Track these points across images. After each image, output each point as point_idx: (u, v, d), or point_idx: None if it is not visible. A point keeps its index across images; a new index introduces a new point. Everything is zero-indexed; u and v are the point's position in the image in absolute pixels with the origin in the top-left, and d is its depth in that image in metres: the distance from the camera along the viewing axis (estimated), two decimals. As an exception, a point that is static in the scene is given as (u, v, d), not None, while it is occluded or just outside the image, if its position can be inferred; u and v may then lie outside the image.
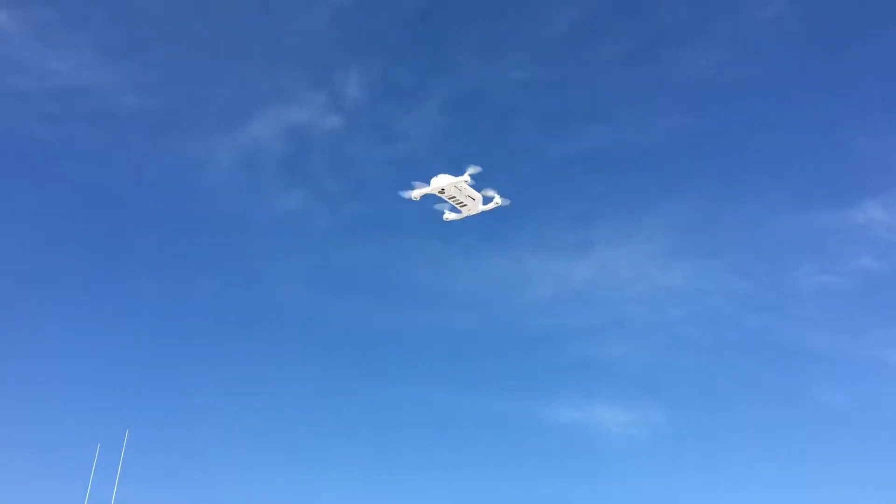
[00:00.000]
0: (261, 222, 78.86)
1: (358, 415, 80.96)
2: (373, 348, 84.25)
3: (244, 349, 78.26)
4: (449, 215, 26.47)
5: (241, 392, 74.78)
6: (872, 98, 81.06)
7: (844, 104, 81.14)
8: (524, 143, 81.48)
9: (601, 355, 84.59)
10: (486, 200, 26.46)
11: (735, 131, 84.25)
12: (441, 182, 25.78)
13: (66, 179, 75.00)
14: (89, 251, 74.41)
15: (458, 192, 25.56)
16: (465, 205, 26.16)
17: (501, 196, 26.77)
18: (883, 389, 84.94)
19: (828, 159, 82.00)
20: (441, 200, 27.18)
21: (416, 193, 26.23)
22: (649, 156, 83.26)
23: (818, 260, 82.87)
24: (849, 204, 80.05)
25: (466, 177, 25.45)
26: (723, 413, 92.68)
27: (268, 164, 78.64)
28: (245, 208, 77.98)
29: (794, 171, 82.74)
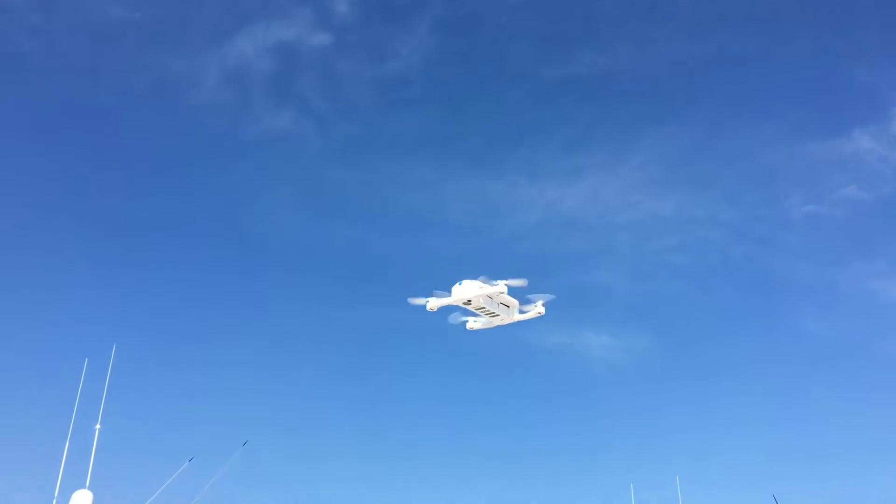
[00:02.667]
0: (248, 142, 77.66)
1: (346, 338, 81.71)
2: (361, 272, 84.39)
3: (231, 271, 78.18)
4: (473, 324, 21.58)
5: (227, 313, 75.10)
6: (866, 28, 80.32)
7: (838, 34, 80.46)
8: (518, 66, 79.58)
9: (588, 282, 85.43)
10: (524, 305, 21.80)
11: (729, 61, 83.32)
12: (467, 293, 20.98)
13: (48, 92, 72.97)
14: (72, 168, 73.46)
15: (489, 301, 21.06)
16: (496, 315, 21.41)
17: (545, 299, 22.04)
18: (867, 320, 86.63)
19: (820, 89, 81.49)
20: (459, 308, 21.90)
21: (433, 305, 21.26)
22: (643, 83, 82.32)
23: (807, 190, 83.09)
24: (838, 134, 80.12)
25: (503, 287, 20.89)
26: (707, 342, 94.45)
27: (255, 82, 76.80)
28: (232, 127, 76.28)
29: (786, 102, 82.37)
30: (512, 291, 22.93)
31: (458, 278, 21.68)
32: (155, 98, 76.32)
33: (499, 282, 20.78)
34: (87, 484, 18.86)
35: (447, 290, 20.85)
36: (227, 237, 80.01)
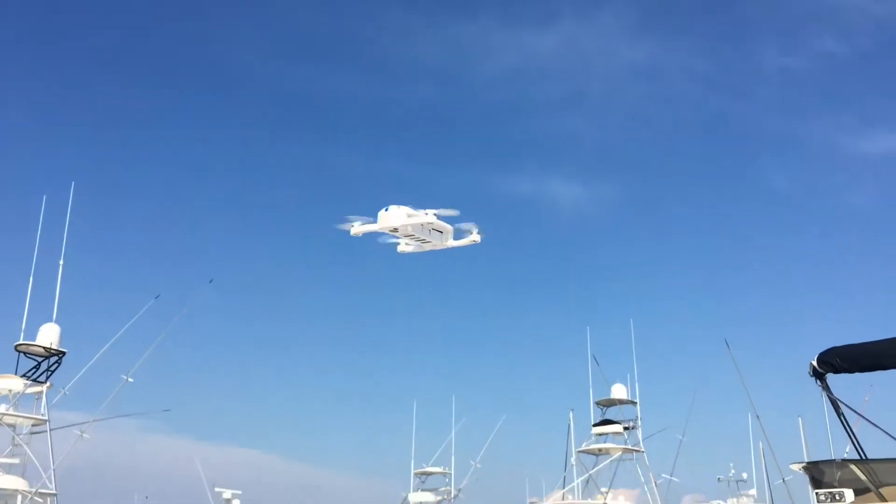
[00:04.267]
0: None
1: (311, 183, 80.00)
2: (329, 116, 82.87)
3: (198, 109, 76.70)
4: (404, 247, 22.20)
5: (190, 149, 73.17)
6: None
7: None
8: None
9: (559, 130, 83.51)
10: (459, 235, 22.79)
11: None
12: (394, 220, 19.78)
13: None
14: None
15: (418, 228, 19.86)
16: (428, 241, 22.08)
17: (481, 231, 22.64)
18: (832, 174, 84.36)
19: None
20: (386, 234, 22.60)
21: (357, 230, 22.28)
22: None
23: (783, 42, 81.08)
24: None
25: (431, 217, 21.58)
26: (675, 192, 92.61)
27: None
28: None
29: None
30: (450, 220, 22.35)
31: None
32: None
33: (428, 211, 20.39)
34: (54, 318, 19.49)
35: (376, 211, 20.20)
36: (193, 74, 78.52)
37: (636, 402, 28.94)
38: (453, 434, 32.42)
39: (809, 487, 6.14)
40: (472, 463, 30.36)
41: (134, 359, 21.75)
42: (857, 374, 6.95)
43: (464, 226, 21.62)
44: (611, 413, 28.95)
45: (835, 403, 6.73)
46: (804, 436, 28.07)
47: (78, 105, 71.94)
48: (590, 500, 27.41)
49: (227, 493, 32.92)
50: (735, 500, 28.92)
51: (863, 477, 5.94)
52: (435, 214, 20.72)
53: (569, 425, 30.24)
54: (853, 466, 6.01)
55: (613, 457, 27.94)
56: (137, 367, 21.36)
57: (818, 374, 6.72)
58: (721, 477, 31.19)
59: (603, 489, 27.08)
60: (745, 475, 31.36)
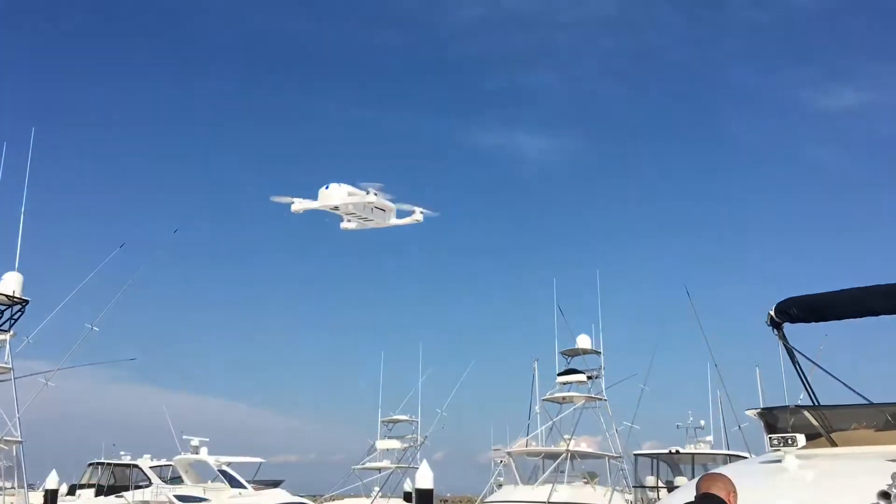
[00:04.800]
0: None
1: (278, 131, 79.84)
2: (292, 59, 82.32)
3: (151, 48, 75.27)
4: (347, 224, 21.03)
5: (147, 94, 71.88)
6: None
7: None
8: None
9: (527, 82, 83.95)
10: (403, 214, 21.43)
11: None
12: (334, 199, 20.19)
13: None
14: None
15: (360, 207, 20.50)
16: (370, 220, 20.94)
17: (424, 209, 21.60)
18: (792, 127, 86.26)
19: None
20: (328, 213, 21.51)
21: (297, 207, 20.66)
22: None
23: None
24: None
25: (372, 196, 20.09)
26: (641, 146, 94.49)
27: None
28: None
29: None
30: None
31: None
32: None
33: (370, 189, 20.22)
34: (16, 266, 19.48)
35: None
36: (145, 14, 77.22)
37: (600, 353, 29.47)
38: (420, 383, 32.84)
39: (763, 433, 6.35)
40: (439, 411, 30.78)
41: (100, 308, 21.63)
42: (812, 324, 7.13)
43: (404, 206, 21.38)
44: (575, 363, 29.47)
45: (790, 352, 6.92)
46: (760, 384, 28.80)
47: (40, 46, 69.76)
48: (553, 447, 28.02)
49: (195, 441, 33.06)
50: (692, 446, 29.69)
51: (815, 422, 6.15)
52: (376, 194, 20.63)
53: (533, 375, 30.75)
54: (806, 412, 6.22)
55: (577, 405, 28.51)
56: (103, 316, 21.25)
57: (775, 324, 6.89)
58: (679, 424, 31.97)
59: (566, 436, 27.68)
60: (702, 422, 32.18)
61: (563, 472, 26.64)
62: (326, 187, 19.74)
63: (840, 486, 5.22)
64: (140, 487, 32.80)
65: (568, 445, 27.08)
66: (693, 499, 4.51)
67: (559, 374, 29.13)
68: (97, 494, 33.05)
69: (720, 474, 4.76)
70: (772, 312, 6.85)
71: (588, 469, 28.55)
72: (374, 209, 20.13)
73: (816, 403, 6.54)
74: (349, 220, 20.44)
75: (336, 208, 19.97)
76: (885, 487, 4.58)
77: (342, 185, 19.86)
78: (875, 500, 4.59)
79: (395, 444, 31.74)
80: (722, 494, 4.46)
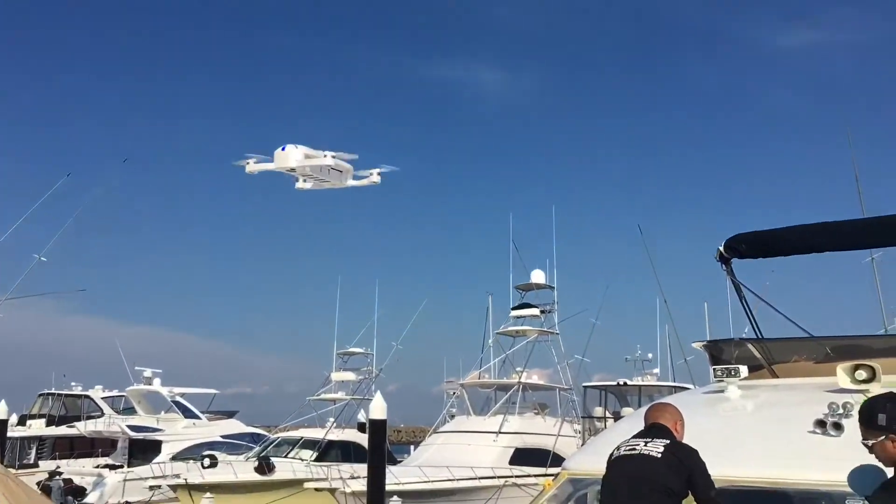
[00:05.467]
0: None
1: (229, 55, 78.53)
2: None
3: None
4: (303, 184, 21.12)
5: (111, 33, 69.93)
6: None
7: None
8: None
9: (485, 15, 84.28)
10: (359, 175, 21.65)
11: None
12: (290, 161, 20.07)
13: None
14: None
15: (317, 169, 20.43)
16: (326, 181, 20.92)
17: (383, 169, 21.92)
18: (750, 71, 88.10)
19: None
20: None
21: (252, 168, 20.61)
22: None
23: None
24: None
25: (329, 159, 20.21)
26: (597, 84, 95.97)
27: None
28: None
29: None
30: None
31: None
32: None
33: (327, 154, 20.20)
34: None
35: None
36: None
37: (554, 288, 29.87)
38: (376, 316, 32.99)
39: (708, 364, 6.51)
40: (394, 344, 31.05)
41: (48, 239, 21.18)
42: (760, 260, 7.27)
43: (364, 172, 21.29)
44: (529, 297, 29.83)
45: (737, 287, 7.06)
46: (708, 319, 29.57)
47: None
48: (505, 379, 28.54)
49: (147, 372, 32.96)
50: (640, 378, 30.50)
51: (757, 355, 6.33)
52: (333, 157, 20.40)
53: (488, 309, 31.10)
54: (749, 345, 6.39)
55: (529, 339, 28.96)
56: (51, 247, 20.81)
57: (724, 259, 7.01)
58: (628, 357, 32.77)
59: (518, 369, 28.18)
60: (650, 355, 33.01)
61: (514, 403, 27.23)
62: (283, 149, 19.50)
63: (779, 415, 5.41)
64: (92, 418, 32.70)
65: (520, 378, 27.60)
66: (642, 429, 4.64)
67: (513, 309, 29.50)
68: (48, 424, 32.87)
69: (668, 404, 4.89)
70: (721, 248, 6.96)
71: (539, 400, 29.23)
72: (331, 170, 20.09)
73: (760, 337, 6.72)
74: (305, 181, 20.32)
75: (292, 170, 19.82)
76: (821, 416, 4.76)
77: (299, 146, 19.59)
78: (812, 429, 4.77)
79: (350, 376, 32.01)
80: (669, 424, 4.59)
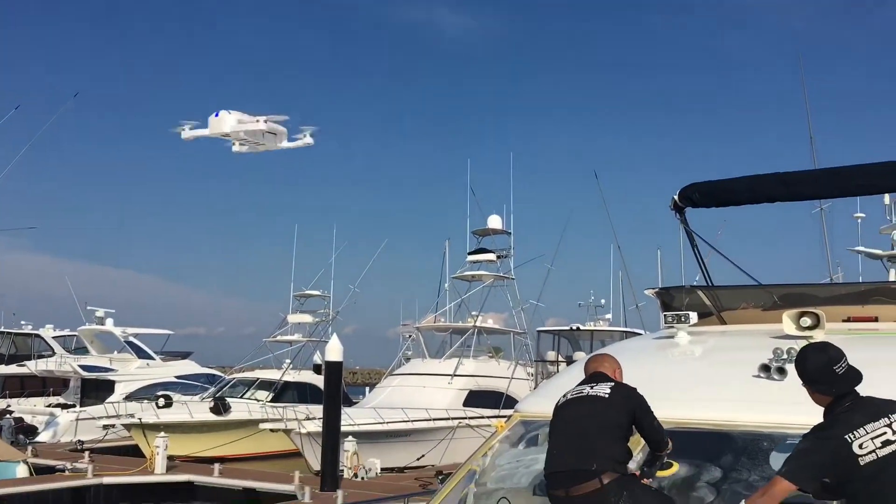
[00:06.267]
0: None
1: None
2: None
3: None
4: (239, 147, 21.53)
5: None
6: None
7: None
8: None
9: None
10: (293, 137, 22.08)
11: None
12: (224, 126, 20.52)
13: None
14: None
15: (251, 133, 20.78)
16: (262, 144, 21.42)
17: (314, 134, 22.35)
18: (712, 21, 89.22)
19: None
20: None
21: (188, 135, 20.99)
22: None
23: None
24: None
25: (263, 125, 20.62)
26: (559, 31, 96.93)
27: None
28: None
29: None
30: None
31: None
32: None
33: (259, 118, 20.78)
34: None
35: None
36: None
37: (510, 233, 30.07)
38: (333, 258, 32.91)
39: (659, 311, 6.62)
40: (351, 287, 31.06)
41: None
42: (713, 210, 7.37)
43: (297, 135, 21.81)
44: (486, 242, 29.99)
45: (690, 236, 7.15)
46: (660, 266, 30.09)
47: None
48: (460, 323, 28.82)
49: (99, 312, 32.55)
50: (592, 323, 31.03)
51: (707, 301, 6.45)
52: (266, 121, 20.58)
53: (444, 253, 31.20)
54: (700, 292, 6.51)
55: (485, 283, 29.22)
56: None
57: (678, 208, 7.09)
58: (581, 303, 33.27)
59: (473, 313, 28.47)
60: (603, 301, 33.57)
61: (469, 346, 27.56)
62: (216, 115, 19.83)
63: (726, 360, 5.57)
64: (43, 357, 32.30)
65: (475, 322, 27.89)
66: (584, 378, 4.75)
67: (469, 254, 29.65)
68: (-3, 364, 32.38)
69: (605, 354, 5.04)
70: (675, 197, 7.03)
71: (493, 344, 29.62)
72: (266, 134, 20.64)
73: (710, 284, 6.85)
74: (241, 145, 20.59)
75: (227, 135, 20.15)
76: (766, 361, 4.90)
77: (232, 112, 20.10)
78: (757, 373, 4.91)
79: (306, 318, 32.02)
80: (609, 372, 4.72)
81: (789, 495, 3.66)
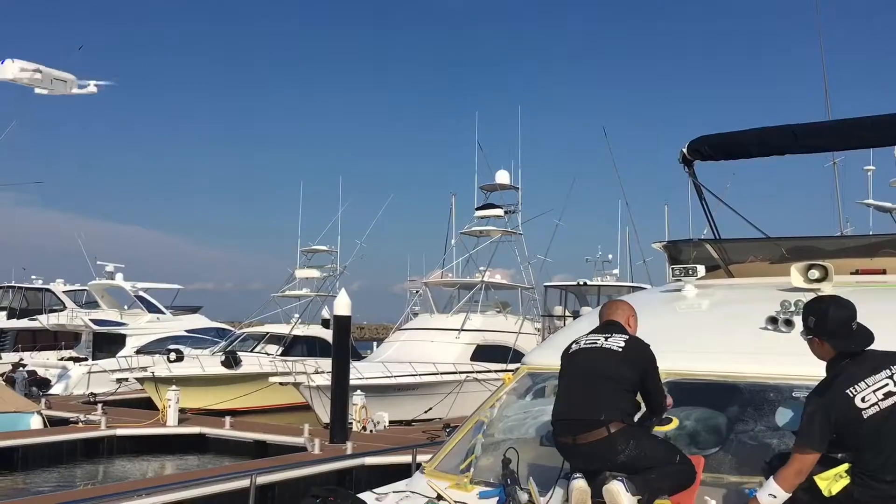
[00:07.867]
0: None
1: None
2: None
3: None
4: (41, 91, 22.65)
5: None
6: None
7: None
8: None
9: None
10: (83, 86, 23.84)
11: None
12: (7, 73, 21.55)
13: None
14: None
15: (38, 81, 21.98)
16: (53, 89, 22.79)
17: (99, 83, 24.24)
18: None
19: None
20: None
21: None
22: None
23: None
24: None
25: (38, 73, 21.84)
26: None
27: None
28: None
29: None
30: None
31: None
32: None
33: (41, 67, 22.24)
34: None
35: None
36: None
37: (518, 188, 29.95)
38: (340, 213, 32.91)
39: (667, 264, 6.61)
40: (358, 242, 31.11)
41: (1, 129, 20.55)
42: (721, 163, 7.30)
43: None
44: (493, 198, 29.92)
45: (698, 189, 7.11)
46: (668, 221, 29.91)
47: None
48: (468, 278, 28.89)
49: (109, 267, 32.74)
50: (599, 278, 31.07)
51: (714, 255, 6.44)
52: (40, 71, 22.61)
53: (451, 209, 31.16)
54: (707, 245, 6.49)
55: (493, 239, 29.21)
56: (5, 138, 20.25)
57: (686, 161, 7.03)
58: (588, 258, 33.29)
59: (481, 268, 28.52)
60: (610, 256, 33.58)
61: (476, 301, 27.65)
62: (1, 62, 21.21)
63: (733, 312, 5.57)
64: (54, 311, 32.58)
65: (483, 277, 27.95)
66: (598, 325, 4.75)
67: (477, 209, 29.60)
68: (9, 317, 32.70)
69: (622, 301, 5.00)
70: (684, 150, 6.97)
71: (501, 299, 29.72)
72: (54, 80, 22.52)
73: (718, 238, 6.82)
74: (41, 88, 22.55)
75: (14, 80, 21.79)
76: (773, 313, 4.91)
77: (15, 61, 21.64)
78: (764, 325, 4.92)
79: (314, 272, 32.15)
80: (622, 320, 4.71)
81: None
